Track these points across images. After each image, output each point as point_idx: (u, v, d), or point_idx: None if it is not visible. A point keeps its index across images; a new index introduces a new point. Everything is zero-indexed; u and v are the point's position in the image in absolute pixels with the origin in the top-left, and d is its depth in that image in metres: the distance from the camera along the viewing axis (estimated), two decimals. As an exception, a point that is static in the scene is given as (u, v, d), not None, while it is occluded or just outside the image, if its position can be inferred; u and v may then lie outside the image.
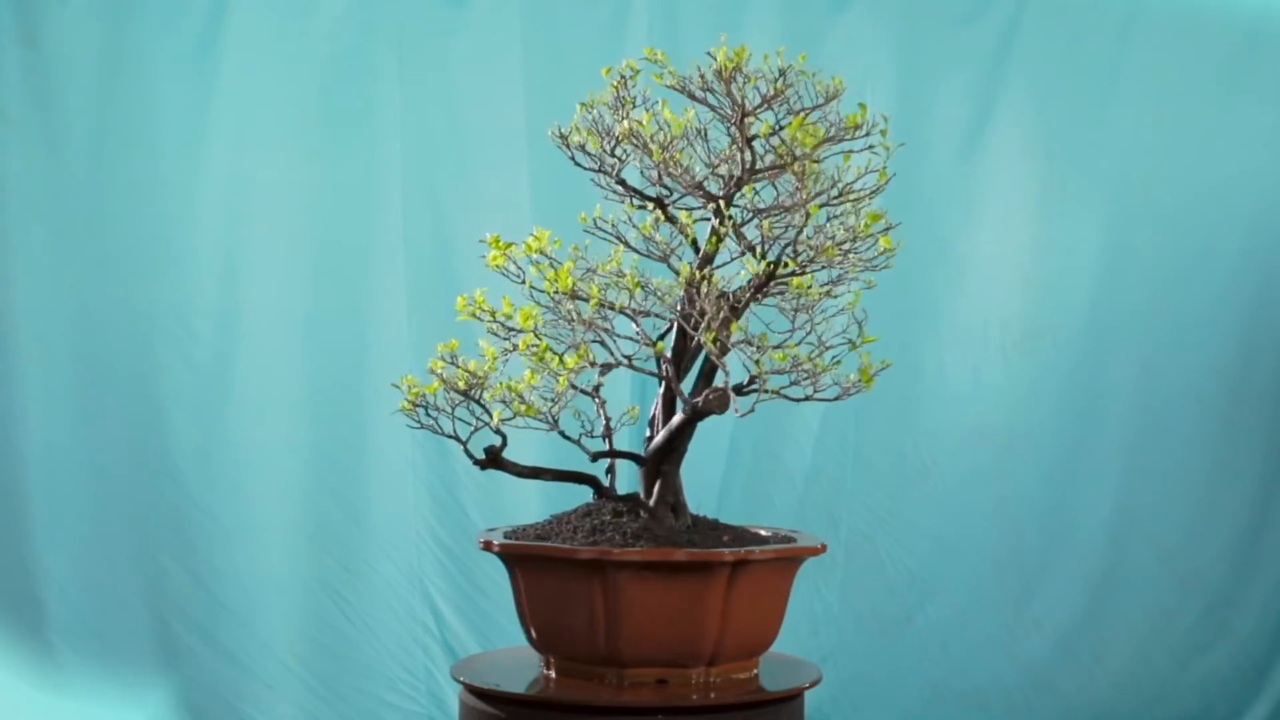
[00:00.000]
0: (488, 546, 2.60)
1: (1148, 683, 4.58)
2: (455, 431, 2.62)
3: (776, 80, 2.57)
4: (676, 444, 2.65)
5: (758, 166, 2.63)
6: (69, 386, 4.18)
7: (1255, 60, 4.59)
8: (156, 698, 4.20)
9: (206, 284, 4.23)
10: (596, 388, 2.65)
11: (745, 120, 2.60)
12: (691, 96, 2.62)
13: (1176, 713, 4.58)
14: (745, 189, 2.65)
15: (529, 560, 2.57)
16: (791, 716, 2.59)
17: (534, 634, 2.61)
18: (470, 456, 2.61)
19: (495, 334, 2.64)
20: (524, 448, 4.32)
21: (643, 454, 2.67)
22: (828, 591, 4.54)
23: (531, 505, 4.28)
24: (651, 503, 2.65)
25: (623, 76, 2.65)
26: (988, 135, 4.57)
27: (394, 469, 4.33)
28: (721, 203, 2.64)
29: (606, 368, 2.63)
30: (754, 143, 2.62)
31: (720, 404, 2.53)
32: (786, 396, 2.53)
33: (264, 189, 4.25)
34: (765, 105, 2.60)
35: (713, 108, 2.62)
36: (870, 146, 2.60)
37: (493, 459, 2.61)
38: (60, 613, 4.16)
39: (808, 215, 2.55)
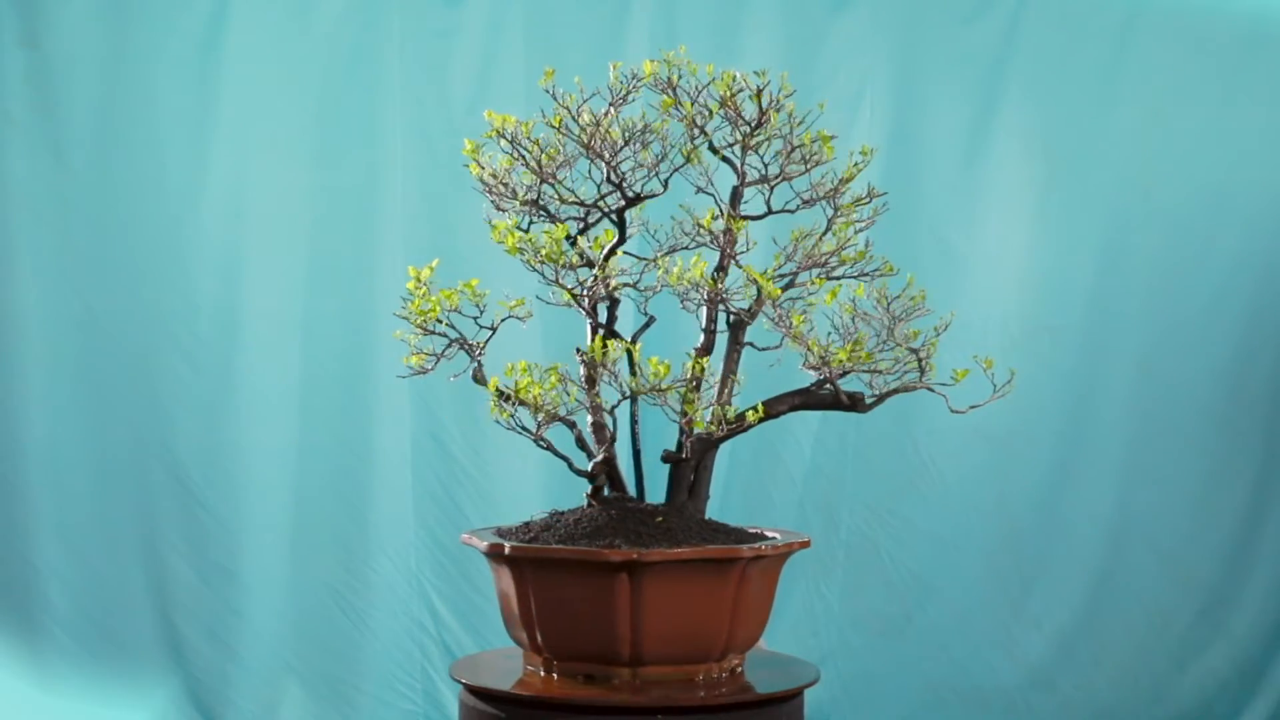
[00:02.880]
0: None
1: (1146, 682, 4.58)
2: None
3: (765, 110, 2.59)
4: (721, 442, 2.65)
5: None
6: (73, 387, 4.19)
7: (1255, 60, 4.59)
8: (160, 695, 4.21)
9: (209, 285, 4.23)
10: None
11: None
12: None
13: (1175, 712, 4.58)
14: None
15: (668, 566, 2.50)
16: (791, 716, 2.59)
17: (644, 640, 2.51)
18: (573, 467, 2.61)
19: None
20: (514, 446, 4.37)
21: (675, 451, 2.66)
22: (828, 591, 4.55)
23: (528, 505, 4.28)
24: (696, 500, 2.66)
25: (634, 75, 2.65)
26: (987, 135, 4.57)
27: (394, 469, 4.34)
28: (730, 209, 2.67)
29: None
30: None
31: (865, 403, 2.60)
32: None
33: (266, 190, 4.26)
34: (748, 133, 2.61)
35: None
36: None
37: (607, 464, 2.61)
38: (65, 611, 4.18)
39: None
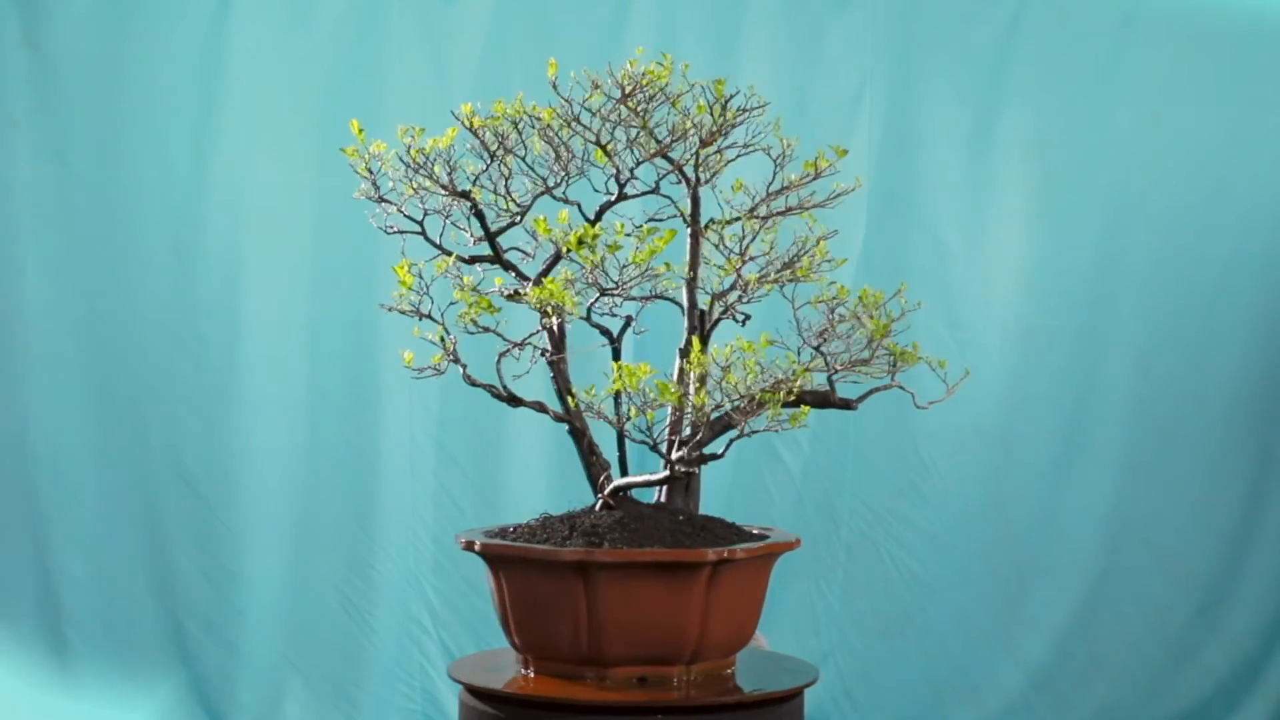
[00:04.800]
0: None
1: (1144, 681, 4.59)
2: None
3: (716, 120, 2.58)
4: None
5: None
6: (78, 387, 4.21)
7: (1255, 60, 4.60)
8: (165, 692, 4.23)
9: (212, 285, 4.24)
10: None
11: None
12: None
13: (1173, 710, 4.59)
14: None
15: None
16: (791, 716, 2.60)
17: (707, 637, 2.54)
18: (664, 455, 2.56)
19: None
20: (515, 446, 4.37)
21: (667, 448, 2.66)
22: (829, 591, 4.56)
23: (529, 506, 4.29)
24: (691, 498, 2.67)
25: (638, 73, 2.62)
26: (987, 135, 4.57)
27: (396, 469, 4.35)
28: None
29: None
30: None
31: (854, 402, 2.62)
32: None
33: (268, 190, 4.26)
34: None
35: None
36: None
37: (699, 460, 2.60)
38: (70, 609, 4.21)
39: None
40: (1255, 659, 4.60)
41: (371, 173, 2.61)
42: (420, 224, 2.66)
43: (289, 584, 4.31)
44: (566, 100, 2.61)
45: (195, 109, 4.22)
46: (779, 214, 2.65)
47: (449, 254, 2.63)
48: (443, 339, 2.60)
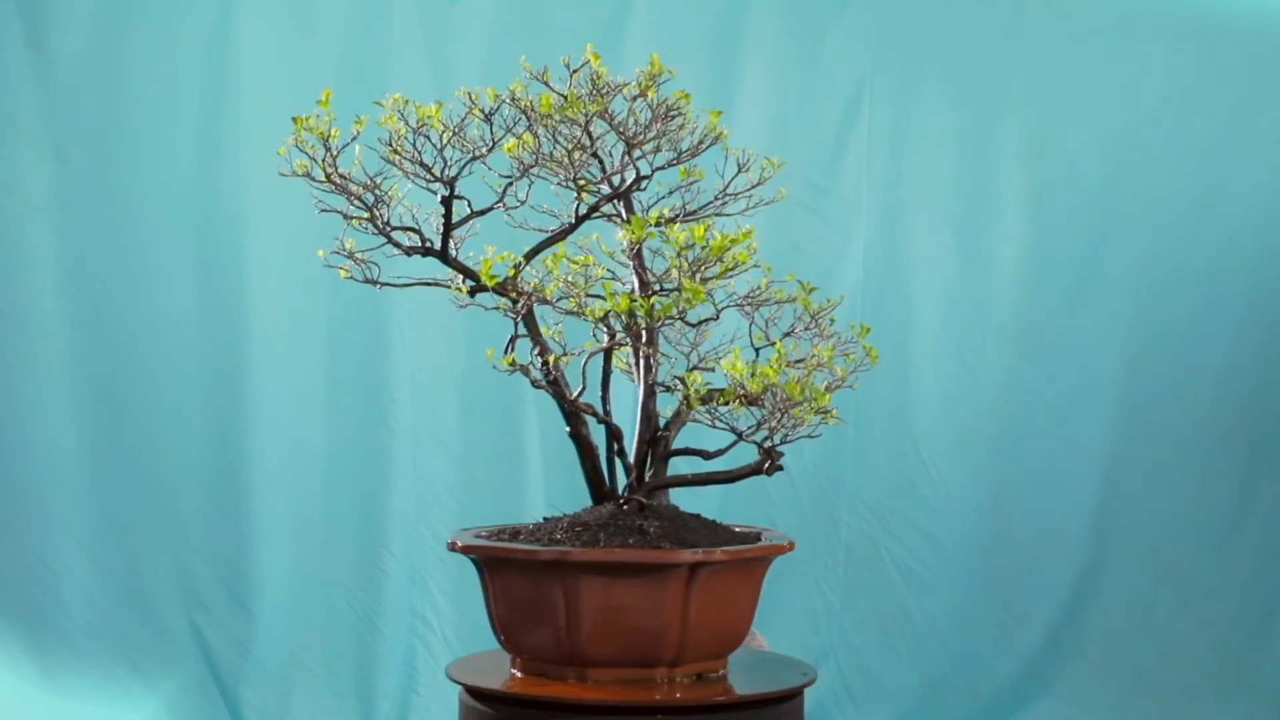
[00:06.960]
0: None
1: (1134, 675, 4.60)
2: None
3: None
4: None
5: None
6: (84, 388, 4.22)
7: (1251, 62, 4.60)
8: (172, 690, 4.24)
9: (216, 286, 4.26)
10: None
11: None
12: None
13: (1165, 704, 4.58)
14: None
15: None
16: (791, 715, 2.60)
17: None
18: (764, 463, 2.51)
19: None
20: (516, 446, 4.36)
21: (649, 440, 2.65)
22: (829, 589, 4.57)
23: (531, 504, 4.30)
24: (665, 499, 2.67)
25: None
26: (985, 135, 4.58)
27: (399, 468, 4.36)
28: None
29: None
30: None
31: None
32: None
33: (270, 191, 4.27)
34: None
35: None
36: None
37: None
38: (78, 609, 4.22)
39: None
40: (1242, 653, 4.61)
41: (328, 149, 2.60)
42: (370, 210, 2.64)
43: (296, 582, 4.33)
44: (597, 95, 2.57)
45: (197, 110, 4.23)
46: (691, 216, 2.63)
47: (397, 245, 2.63)
48: (554, 346, 2.58)
